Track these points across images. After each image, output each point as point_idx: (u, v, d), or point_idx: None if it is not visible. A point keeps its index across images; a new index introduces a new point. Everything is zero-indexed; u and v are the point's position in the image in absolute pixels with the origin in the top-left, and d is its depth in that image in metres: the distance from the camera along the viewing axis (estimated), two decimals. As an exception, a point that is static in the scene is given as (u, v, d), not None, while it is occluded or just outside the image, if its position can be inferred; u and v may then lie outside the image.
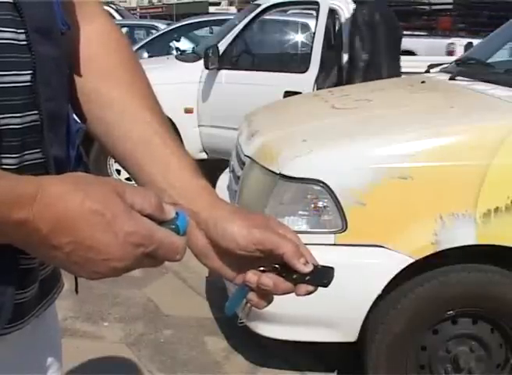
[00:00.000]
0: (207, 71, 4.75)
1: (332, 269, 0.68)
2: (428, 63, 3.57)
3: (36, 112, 0.63)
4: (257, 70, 4.93)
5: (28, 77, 0.62)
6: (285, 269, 0.67)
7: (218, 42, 4.77)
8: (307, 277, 0.66)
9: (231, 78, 4.75)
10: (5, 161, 0.61)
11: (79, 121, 0.75)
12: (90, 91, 0.75)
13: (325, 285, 0.67)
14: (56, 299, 0.76)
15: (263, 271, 0.68)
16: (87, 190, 0.55)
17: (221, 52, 4.70)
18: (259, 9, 4.86)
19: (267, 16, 5.25)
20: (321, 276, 0.67)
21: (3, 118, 0.60)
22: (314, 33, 4.75)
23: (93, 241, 0.55)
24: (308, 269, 0.66)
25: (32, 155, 0.64)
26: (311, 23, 5.94)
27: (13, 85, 0.61)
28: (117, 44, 0.79)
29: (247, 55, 5.55)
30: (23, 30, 0.61)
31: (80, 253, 0.55)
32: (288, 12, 6.78)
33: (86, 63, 0.75)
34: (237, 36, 4.86)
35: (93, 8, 0.79)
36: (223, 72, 4.74)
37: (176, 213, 0.61)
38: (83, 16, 0.76)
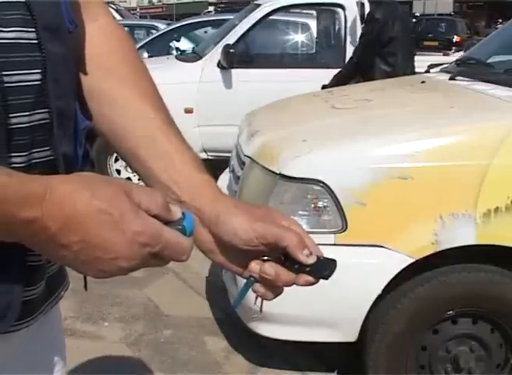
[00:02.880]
0: (208, 71, 4.78)
1: (334, 261, 0.68)
2: (428, 63, 3.57)
3: (45, 110, 0.64)
4: (292, 68, 5.15)
5: (38, 76, 0.63)
6: (288, 260, 0.67)
7: (225, 41, 4.83)
8: (308, 268, 0.66)
9: (253, 76, 4.86)
10: (13, 160, 0.61)
11: (85, 119, 0.75)
12: (94, 89, 0.75)
13: (326, 277, 0.66)
14: (63, 297, 0.77)
15: (266, 260, 0.68)
16: (94, 189, 0.56)
17: (241, 51, 4.82)
18: (271, 8, 5.00)
19: (277, 17, 5.44)
20: (323, 268, 0.67)
21: (12, 117, 0.60)
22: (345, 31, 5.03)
23: (100, 240, 0.55)
24: (311, 260, 0.66)
25: (41, 153, 0.65)
26: (312, 23, 5.99)
27: (23, 84, 0.61)
28: (120, 42, 0.80)
29: (269, 53, 5.71)
30: (33, 29, 0.62)
31: (88, 252, 0.56)
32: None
33: (89, 61, 0.76)
34: (252, 34, 5.04)
35: (97, 8, 0.80)
36: (249, 70, 4.88)
37: (183, 214, 0.61)
38: (87, 15, 0.77)
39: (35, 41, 0.62)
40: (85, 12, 0.76)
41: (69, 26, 0.68)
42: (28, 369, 0.71)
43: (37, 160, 0.64)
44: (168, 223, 0.59)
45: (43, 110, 0.64)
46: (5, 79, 0.59)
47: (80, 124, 0.72)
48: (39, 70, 0.63)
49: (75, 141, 0.71)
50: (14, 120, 0.61)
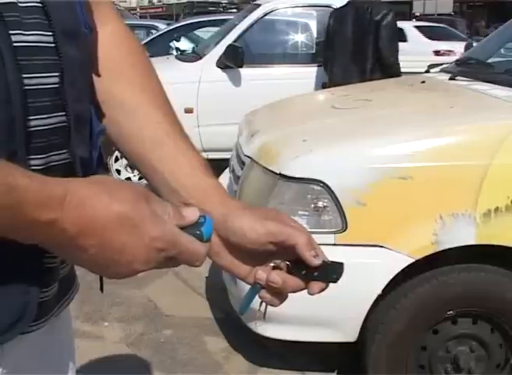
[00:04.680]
0: (208, 71, 4.79)
1: (341, 264, 0.68)
2: (428, 63, 3.57)
3: (63, 113, 0.64)
4: (292, 67, 5.23)
5: (56, 79, 0.63)
6: (295, 266, 0.67)
7: (225, 41, 4.85)
8: (316, 273, 0.66)
9: (253, 76, 4.92)
10: (32, 162, 0.62)
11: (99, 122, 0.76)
12: (104, 93, 0.76)
13: (335, 281, 0.66)
14: (73, 299, 0.77)
15: (273, 268, 0.68)
16: (113, 193, 0.57)
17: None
18: (271, 8, 5.09)
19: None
20: (331, 271, 0.67)
21: (31, 120, 0.61)
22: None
23: (119, 244, 0.56)
24: (318, 261, 0.66)
25: (58, 156, 0.65)
26: (312, 23, 6.00)
27: (41, 87, 0.62)
28: (129, 46, 0.81)
29: (269, 53, 5.72)
30: (50, 33, 0.63)
31: (105, 255, 0.56)
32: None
33: (100, 65, 0.76)
34: (251, 34, 5.11)
35: (107, 12, 0.80)
36: (249, 70, 4.92)
37: (204, 218, 0.61)
38: (99, 19, 0.77)
39: (52, 45, 0.63)
40: (97, 15, 0.77)
41: (85, 30, 0.69)
42: (40, 370, 0.72)
43: (56, 163, 0.65)
44: (186, 226, 0.60)
45: (60, 113, 0.64)
46: (26, 81, 0.60)
47: (95, 128, 0.72)
48: (57, 74, 0.63)
49: (90, 144, 0.72)
50: (33, 123, 0.61)
